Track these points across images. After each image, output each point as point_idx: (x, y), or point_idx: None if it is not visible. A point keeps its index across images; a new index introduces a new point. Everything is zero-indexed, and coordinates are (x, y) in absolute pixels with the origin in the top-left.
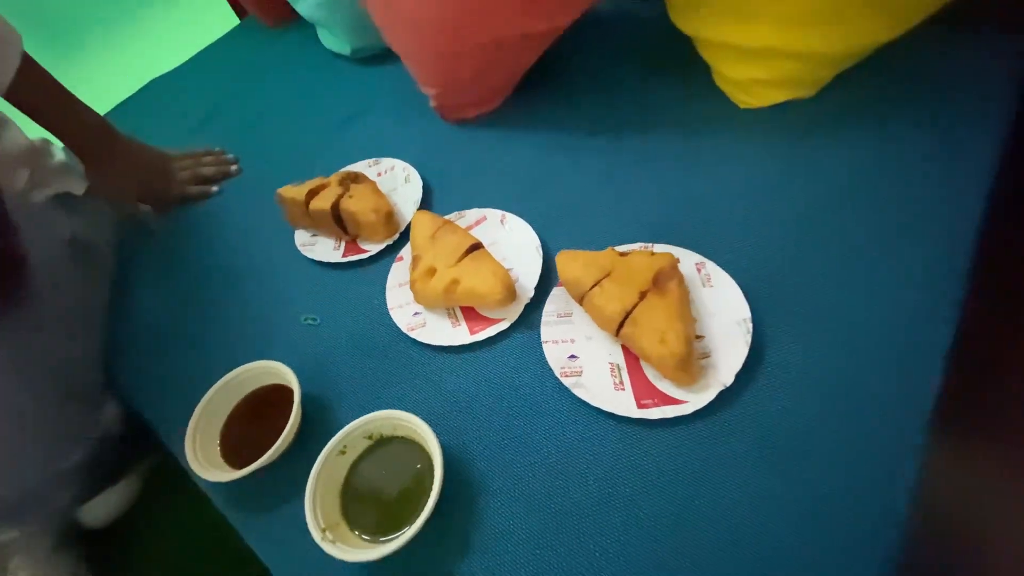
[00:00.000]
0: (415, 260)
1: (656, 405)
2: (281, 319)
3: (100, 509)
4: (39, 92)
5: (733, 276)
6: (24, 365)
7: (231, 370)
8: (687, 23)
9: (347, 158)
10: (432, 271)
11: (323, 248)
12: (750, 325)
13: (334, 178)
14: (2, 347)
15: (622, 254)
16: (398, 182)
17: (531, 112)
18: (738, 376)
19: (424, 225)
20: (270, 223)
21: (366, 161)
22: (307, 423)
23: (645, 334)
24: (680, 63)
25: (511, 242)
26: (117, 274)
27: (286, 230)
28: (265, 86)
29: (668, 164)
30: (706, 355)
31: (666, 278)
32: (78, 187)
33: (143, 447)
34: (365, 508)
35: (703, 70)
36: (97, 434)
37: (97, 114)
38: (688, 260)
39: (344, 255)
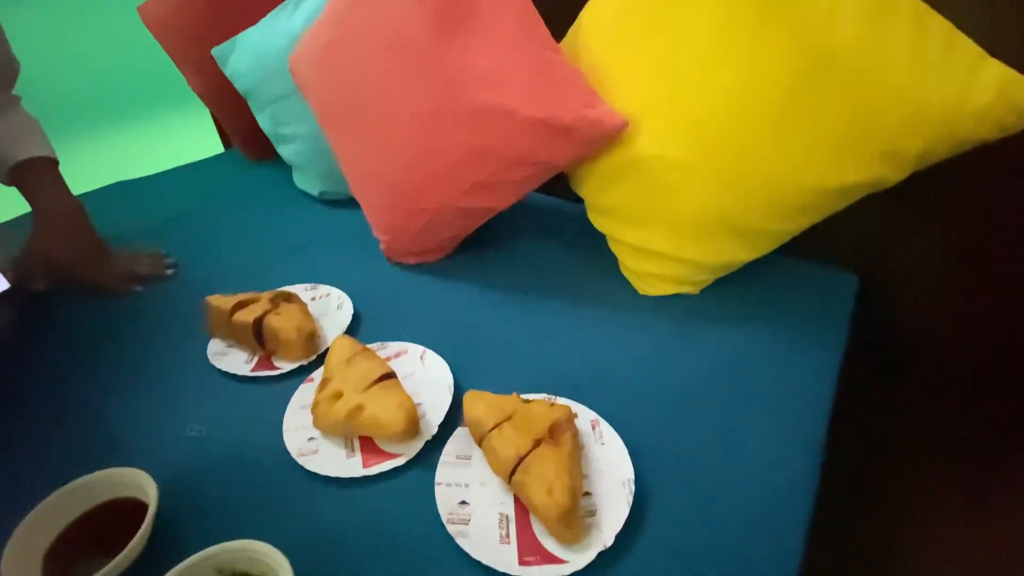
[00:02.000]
0: (324, 382)
1: (537, 563)
2: (166, 427)
3: None
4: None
5: (623, 436)
6: None
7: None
8: (600, 222)
9: (288, 280)
10: (339, 395)
11: (234, 360)
12: (632, 486)
13: (266, 295)
14: None
15: (525, 401)
16: (331, 308)
17: (465, 268)
18: (619, 537)
19: (342, 349)
20: (188, 329)
21: (304, 285)
22: (161, 545)
23: (535, 482)
24: (595, 250)
25: (426, 377)
26: None
27: (202, 339)
28: (229, 207)
29: (578, 329)
30: (592, 512)
31: (561, 430)
32: None
33: None
34: None
35: (613, 258)
36: None
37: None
38: (585, 416)
39: (253, 369)
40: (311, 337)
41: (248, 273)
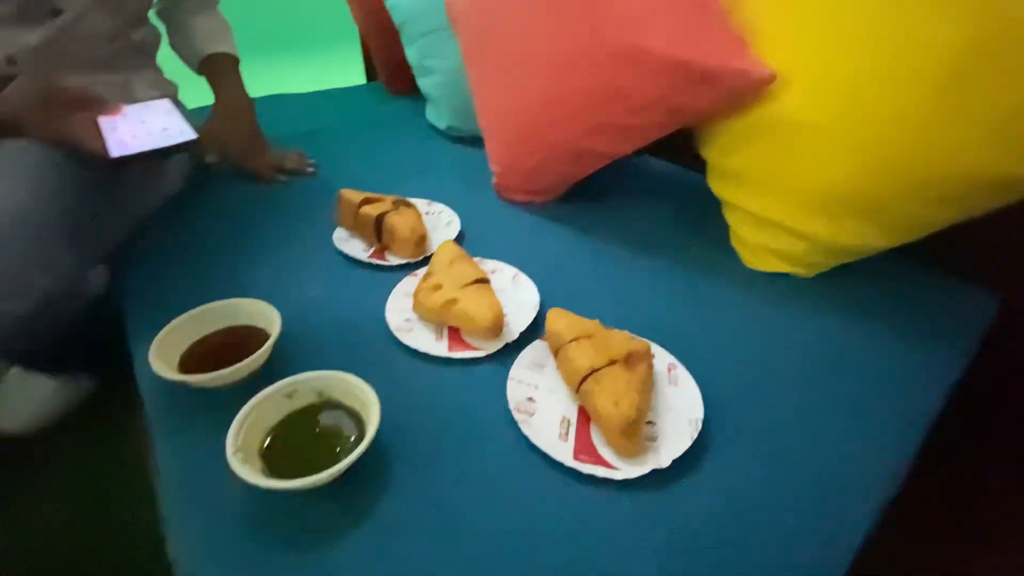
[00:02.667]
0: (427, 276)
1: (591, 463)
2: (291, 288)
3: (24, 413)
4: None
5: (699, 384)
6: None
7: None
8: (719, 186)
9: (408, 194)
10: (438, 287)
11: (353, 247)
12: (699, 426)
13: (390, 198)
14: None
15: (606, 328)
16: (441, 223)
17: (570, 215)
18: (675, 463)
19: (446, 251)
20: (319, 217)
21: (422, 200)
22: (274, 370)
23: (604, 392)
24: (705, 218)
25: (515, 296)
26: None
27: (330, 227)
28: (366, 129)
29: (671, 286)
30: (652, 439)
31: (638, 359)
32: None
33: (100, 357)
34: (284, 455)
35: (723, 229)
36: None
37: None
38: (663, 359)
39: (369, 257)
40: (422, 239)
41: (375, 184)
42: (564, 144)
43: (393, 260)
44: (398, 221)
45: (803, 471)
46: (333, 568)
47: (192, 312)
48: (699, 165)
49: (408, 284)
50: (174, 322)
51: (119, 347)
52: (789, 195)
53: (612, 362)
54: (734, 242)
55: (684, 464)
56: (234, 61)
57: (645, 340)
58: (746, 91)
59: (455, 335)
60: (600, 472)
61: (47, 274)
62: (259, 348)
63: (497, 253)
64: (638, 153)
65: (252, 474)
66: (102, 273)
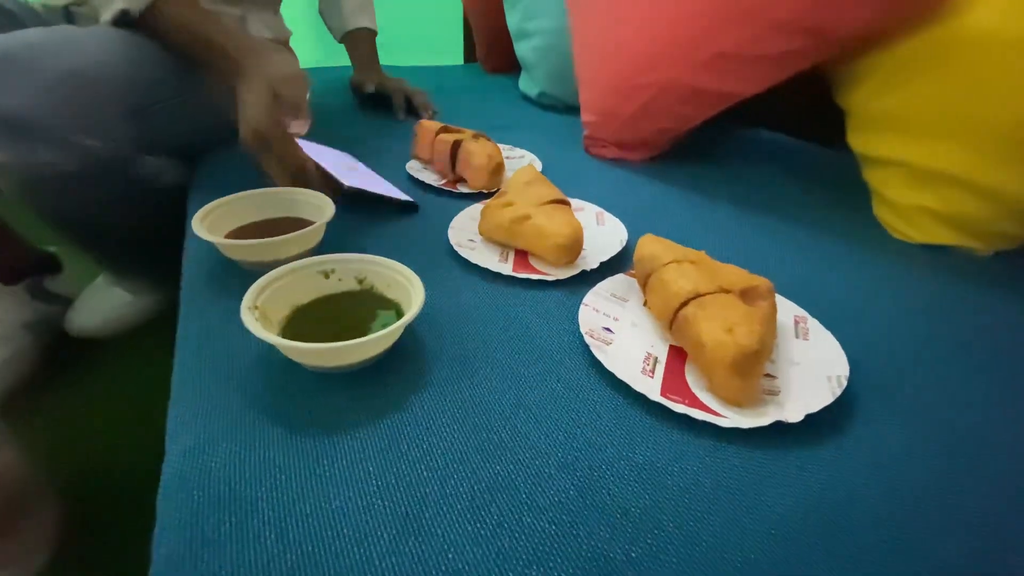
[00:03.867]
0: (500, 194)
1: (684, 404)
2: None
3: (94, 315)
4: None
5: (837, 339)
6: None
7: None
8: (866, 140)
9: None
10: (510, 204)
11: (427, 176)
12: (844, 382)
13: (469, 131)
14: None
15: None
16: (522, 164)
17: (668, 176)
18: (808, 419)
19: (524, 173)
20: (399, 151)
21: (506, 145)
22: None
23: (711, 319)
24: (837, 189)
25: (599, 234)
26: None
27: (405, 159)
28: (460, 95)
29: (799, 240)
30: (773, 393)
31: (758, 295)
32: None
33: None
34: (306, 331)
35: (861, 199)
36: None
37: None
38: (787, 311)
39: (443, 186)
40: (498, 168)
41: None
42: (673, 83)
43: (466, 190)
44: (475, 148)
45: (976, 457)
46: (342, 453)
47: (246, 192)
48: (825, 141)
49: (476, 210)
50: (227, 198)
51: None
52: (972, 137)
53: (724, 290)
54: (880, 211)
55: (820, 423)
56: (371, 34)
57: (766, 279)
58: (919, 4)
59: (522, 259)
60: (698, 415)
61: (95, 134)
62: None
63: (580, 189)
64: (751, 124)
65: (262, 331)
66: (171, 167)
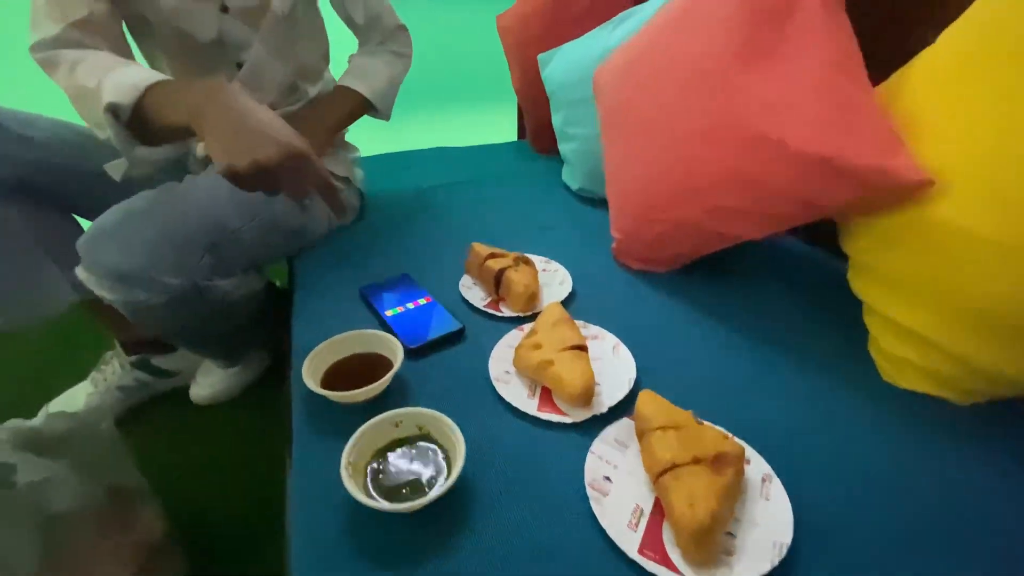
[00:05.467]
0: (530, 333)
1: (655, 561)
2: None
3: (208, 388)
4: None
5: (793, 503)
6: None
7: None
8: (861, 287)
9: (531, 248)
10: (538, 346)
11: (475, 295)
12: (783, 552)
13: (512, 255)
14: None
15: (699, 422)
16: (555, 281)
17: (686, 289)
18: None
19: (552, 312)
20: (454, 263)
21: (541, 257)
22: (391, 393)
23: (681, 489)
24: (841, 315)
25: (612, 367)
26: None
27: (459, 272)
28: (508, 182)
29: (785, 386)
30: (728, 553)
31: (727, 463)
32: None
33: (266, 343)
34: (383, 475)
35: (861, 331)
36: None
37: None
38: (758, 467)
39: (486, 306)
40: (533, 296)
41: (504, 231)
42: (685, 222)
43: (506, 311)
44: (515, 277)
45: None
46: None
47: (336, 337)
48: (840, 249)
49: (513, 337)
50: (321, 345)
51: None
52: (944, 309)
53: (697, 460)
54: (872, 350)
55: None
56: (356, 97)
57: (741, 443)
58: (896, 193)
59: (547, 395)
60: (663, 574)
61: (176, 274)
62: (384, 375)
63: (602, 318)
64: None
65: (355, 488)
66: (244, 283)
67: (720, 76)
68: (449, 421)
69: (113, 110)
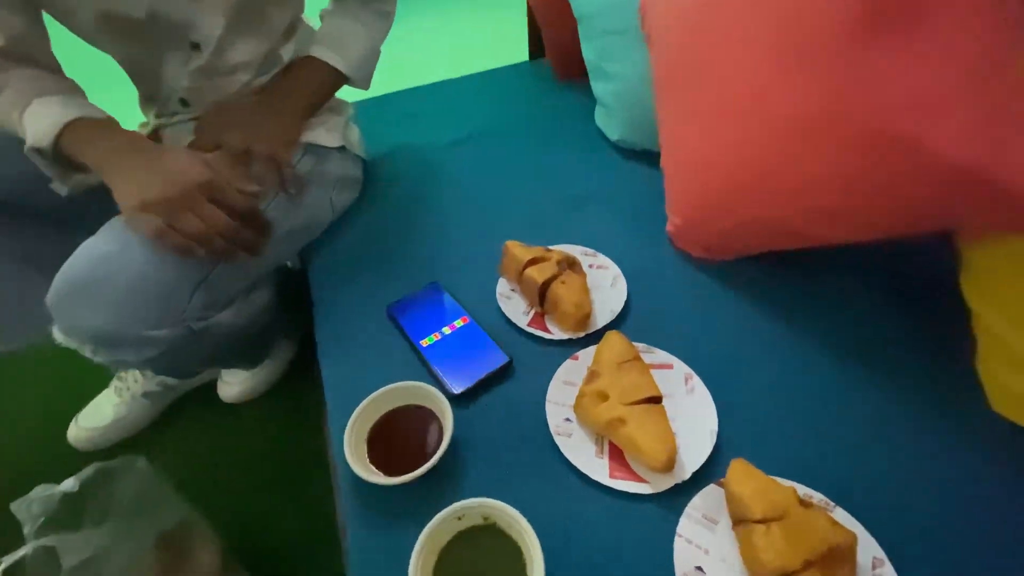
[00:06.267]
0: (592, 375)
1: None
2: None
3: (236, 387)
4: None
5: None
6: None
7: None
8: (974, 294)
9: (568, 236)
10: (603, 396)
11: (514, 307)
12: None
13: (555, 255)
14: None
15: (803, 502)
16: (605, 282)
17: (762, 282)
18: None
19: (615, 349)
20: (481, 260)
21: (583, 248)
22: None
23: None
24: (947, 324)
25: (689, 409)
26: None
27: (490, 272)
28: (526, 133)
29: (888, 424)
30: None
31: (840, 560)
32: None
33: (284, 341)
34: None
35: (966, 341)
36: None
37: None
38: (868, 549)
39: (529, 324)
40: (585, 318)
41: (533, 215)
42: (768, 220)
43: (555, 331)
44: (563, 293)
45: None
46: None
47: (373, 396)
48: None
49: (569, 372)
50: (357, 411)
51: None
52: None
53: (808, 564)
54: (981, 370)
55: None
56: (330, 72)
57: (850, 531)
58: None
59: (618, 455)
60: None
61: (163, 326)
62: (431, 430)
63: (666, 334)
64: None
65: None
66: (248, 303)
67: (834, 47)
68: (519, 519)
69: (37, 151)
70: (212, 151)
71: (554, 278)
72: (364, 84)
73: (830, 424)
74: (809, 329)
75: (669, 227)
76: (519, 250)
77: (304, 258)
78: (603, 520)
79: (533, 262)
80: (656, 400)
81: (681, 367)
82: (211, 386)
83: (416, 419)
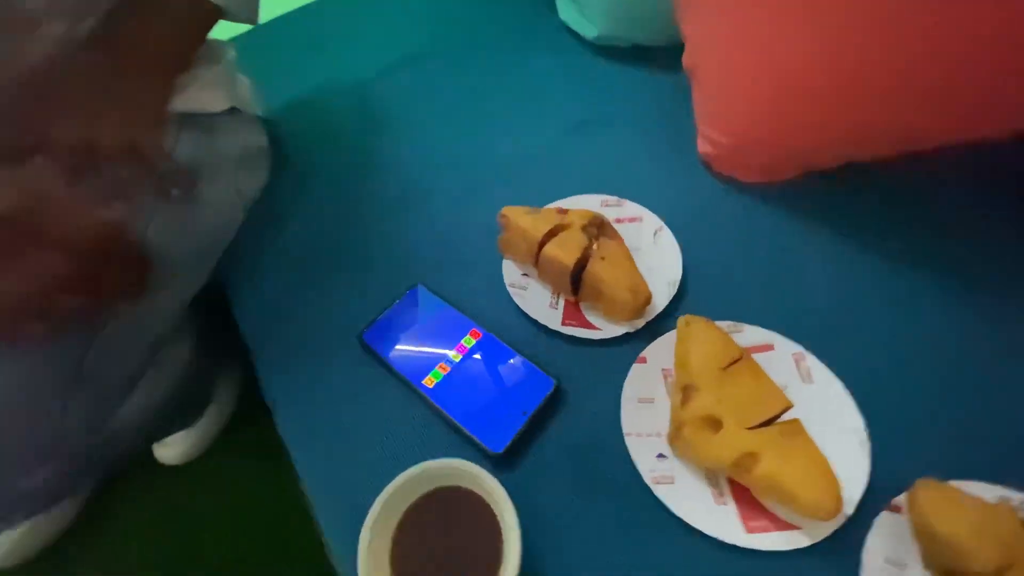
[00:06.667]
0: (687, 392)
1: None
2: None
3: (175, 448)
4: None
5: None
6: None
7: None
8: None
9: (573, 182)
10: (714, 423)
11: (535, 299)
12: None
13: (576, 218)
14: None
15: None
16: (643, 239)
17: (840, 206)
18: None
19: (709, 347)
20: (475, 238)
21: (600, 197)
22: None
23: None
24: None
25: (816, 404)
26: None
27: (490, 257)
28: (471, 45)
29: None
30: None
31: None
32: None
33: (225, 376)
34: None
35: None
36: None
37: None
38: None
39: (564, 323)
40: (646, 302)
41: (520, 158)
42: (871, 125)
43: (598, 322)
44: (608, 274)
45: None
46: None
47: (382, 501)
48: None
49: (641, 382)
50: (367, 533)
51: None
52: None
53: None
54: None
55: None
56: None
57: None
58: None
59: (745, 496)
60: None
61: (41, 466)
62: (478, 519)
63: (745, 298)
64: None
65: None
66: (159, 374)
67: None
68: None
69: None
70: (28, 157)
71: (587, 256)
72: (249, 14)
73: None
74: (935, 259)
75: (707, 148)
76: (525, 219)
77: (221, 280)
78: None
79: (551, 235)
80: (789, 419)
81: (785, 346)
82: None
83: (453, 513)
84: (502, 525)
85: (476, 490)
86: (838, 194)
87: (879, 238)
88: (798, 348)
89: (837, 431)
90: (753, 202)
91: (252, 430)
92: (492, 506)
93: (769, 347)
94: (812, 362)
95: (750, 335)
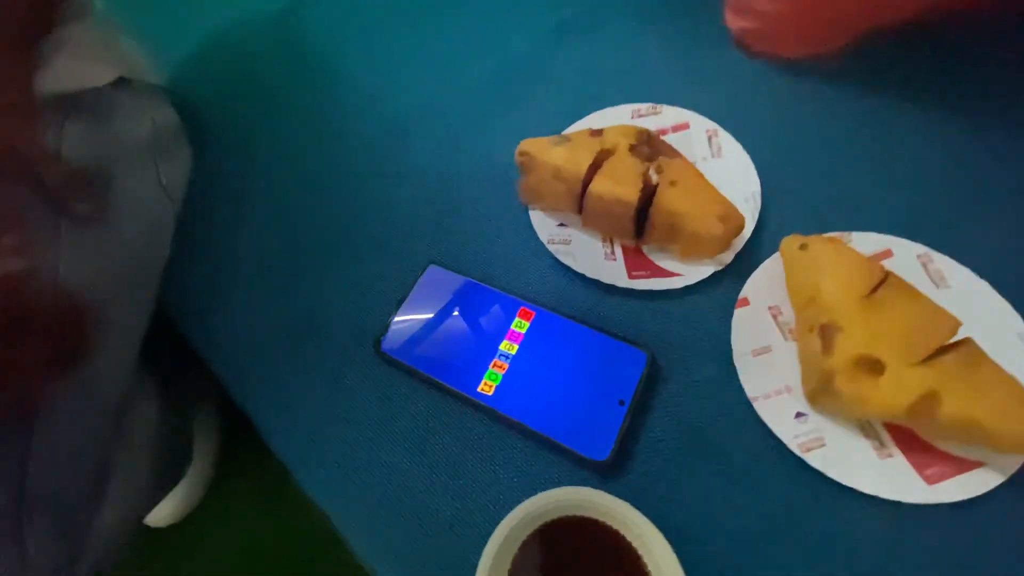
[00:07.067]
0: (825, 331)
1: None
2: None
3: (163, 509)
4: None
5: None
6: None
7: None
8: None
9: (588, 94)
10: (874, 365)
11: (587, 254)
12: None
13: (619, 137)
14: None
15: None
16: (696, 151)
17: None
18: None
19: (845, 271)
20: (490, 187)
21: (629, 107)
22: None
23: None
24: None
25: (964, 313)
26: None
27: (508, 204)
28: None
29: None
30: None
31: None
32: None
33: (201, 420)
34: None
35: None
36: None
37: None
38: None
39: (631, 274)
40: (739, 228)
41: (505, 70)
42: None
43: (675, 267)
44: (686, 204)
45: None
46: None
47: (491, 552)
48: None
49: (752, 331)
50: (489, 552)
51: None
52: None
53: None
54: None
55: None
56: None
57: None
58: None
59: (913, 442)
60: None
61: None
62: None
63: (839, 196)
64: None
65: None
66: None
67: None
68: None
69: None
70: None
71: (649, 184)
72: None
73: None
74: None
75: (742, 23)
76: (554, 153)
77: (169, 312)
78: (955, 546)
79: (596, 166)
80: (963, 340)
81: (906, 249)
82: None
83: (568, 557)
84: (640, 551)
85: (590, 515)
86: (911, 59)
87: (979, 100)
88: (922, 248)
89: (1002, 340)
90: (812, 82)
91: (243, 463)
92: (623, 533)
93: (887, 254)
94: (942, 262)
95: (860, 244)
